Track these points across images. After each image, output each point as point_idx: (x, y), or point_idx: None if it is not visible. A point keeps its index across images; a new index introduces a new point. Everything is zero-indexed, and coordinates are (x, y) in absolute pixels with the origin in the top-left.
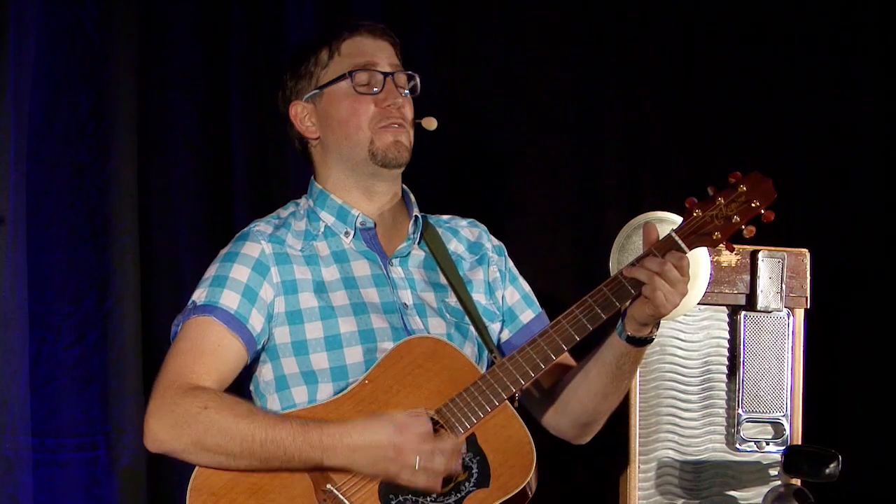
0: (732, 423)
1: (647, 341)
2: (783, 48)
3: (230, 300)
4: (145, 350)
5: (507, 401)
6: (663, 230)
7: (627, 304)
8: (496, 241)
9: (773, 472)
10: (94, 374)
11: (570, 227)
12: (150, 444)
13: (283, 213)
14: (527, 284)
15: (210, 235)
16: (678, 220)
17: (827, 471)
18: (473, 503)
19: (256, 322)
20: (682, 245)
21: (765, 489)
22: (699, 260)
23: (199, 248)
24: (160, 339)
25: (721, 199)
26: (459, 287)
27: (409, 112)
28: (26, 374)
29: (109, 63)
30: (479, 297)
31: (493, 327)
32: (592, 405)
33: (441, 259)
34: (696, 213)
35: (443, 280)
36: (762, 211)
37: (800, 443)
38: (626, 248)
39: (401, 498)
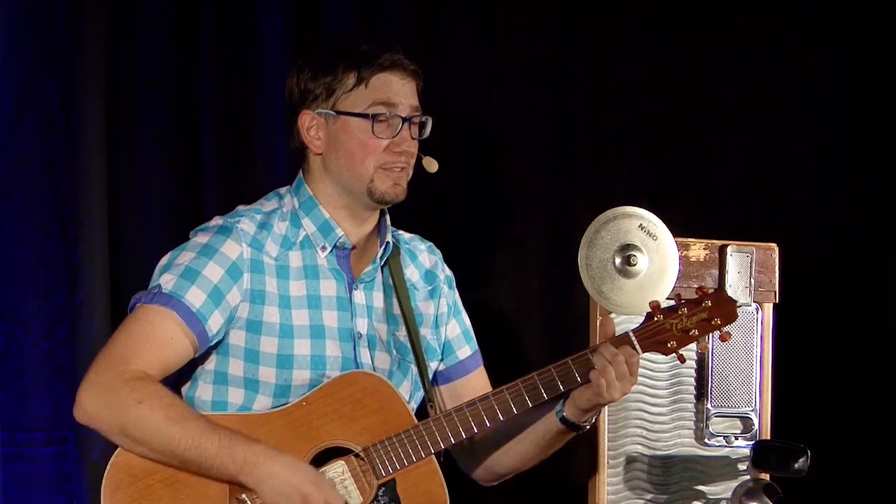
0: (701, 418)
1: (578, 428)
2: (754, 46)
3: (195, 298)
4: None
5: (433, 455)
6: (632, 224)
7: (571, 389)
8: (448, 272)
9: (742, 466)
10: (63, 369)
11: (540, 223)
12: (78, 414)
13: (267, 206)
14: (468, 320)
15: (179, 230)
16: (646, 214)
17: (796, 465)
18: None
19: (215, 324)
20: (637, 346)
21: (734, 484)
22: (668, 254)
23: (168, 242)
24: None
25: (684, 310)
26: (410, 321)
27: (415, 155)
28: None
29: (79, 57)
30: (426, 331)
31: (432, 365)
32: (510, 464)
33: (399, 288)
34: (658, 317)
35: (396, 310)
36: (720, 330)
37: (768, 437)
38: (595, 244)
39: None
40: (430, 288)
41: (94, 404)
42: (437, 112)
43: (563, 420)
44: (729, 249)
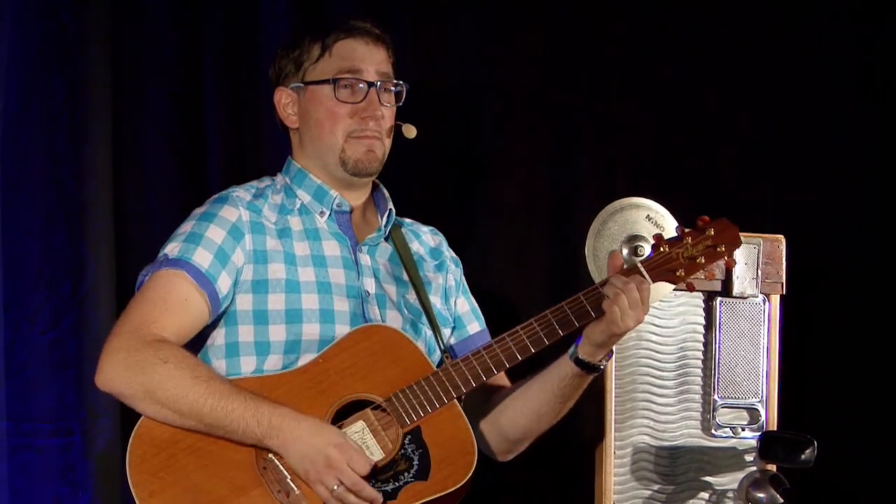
0: (708, 409)
1: (594, 369)
2: (759, 35)
3: (202, 258)
4: None
5: (455, 400)
6: (640, 215)
7: (585, 324)
8: (453, 254)
9: (749, 457)
10: (68, 360)
11: (546, 215)
12: (100, 381)
13: (260, 184)
14: (475, 301)
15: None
16: (654, 205)
17: (802, 456)
18: (410, 494)
19: (224, 285)
20: (646, 275)
21: (740, 475)
22: None
23: None
24: None
25: (689, 239)
26: (420, 287)
27: (387, 122)
28: (1, 359)
29: (84, 50)
30: (435, 300)
31: (445, 332)
32: (524, 422)
33: (405, 257)
34: (663, 248)
35: (405, 277)
36: (726, 257)
37: (775, 428)
38: (602, 234)
39: None
40: (436, 262)
41: (117, 368)
42: (439, 105)
43: (578, 361)
44: None
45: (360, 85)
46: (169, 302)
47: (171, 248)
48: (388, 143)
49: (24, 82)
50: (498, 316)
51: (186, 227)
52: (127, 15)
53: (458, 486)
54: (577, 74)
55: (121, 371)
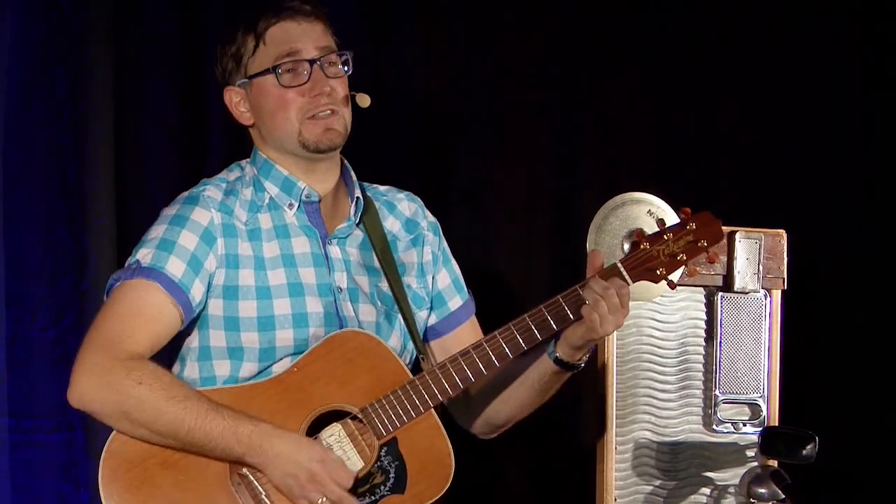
0: (709, 405)
1: (573, 367)
2: (762, 31)
3: (175, 268)
4: None
5: (432, 409)
6: (641, 210)
7: (564, 327)
8: (431, 218)
9: (750, 453)
10: (70, 356)
11: (547, 209)
12: (73, 399)
13: (230, 176)
14: (457, 267)
15: None
16: (655, 200)
17: (804, 452)
18: None
19: (197, 292)
20: (627, 277)
21: (741, 470)
22: None
23: None
24: None
25: (670, 235)
26: (392, 273)
27: (340, 93)
28: (2, 355)
29: (86, 45)
30: (410, 280)
31: (421, 314)
32: (507, 411)
33: (377, 242)
34: (644, 246)
35: (377, 264)
36: (707, 252)
37: (776, 424)
38: (604, 229)
39: None
40: (411, 237)
41: (90, 387)
42: (440, 104)
43: (557, 361)
44: (737, 236)
45: (302, 65)
46: (143, 315)
47: (144, 255)
48: (346, 112)
49: (25, 78)
50: (500, 314)
51: (158, 230)
52: (129, 9)
53: (435, 499)
54: (577, 70)
55: (95, 390)
